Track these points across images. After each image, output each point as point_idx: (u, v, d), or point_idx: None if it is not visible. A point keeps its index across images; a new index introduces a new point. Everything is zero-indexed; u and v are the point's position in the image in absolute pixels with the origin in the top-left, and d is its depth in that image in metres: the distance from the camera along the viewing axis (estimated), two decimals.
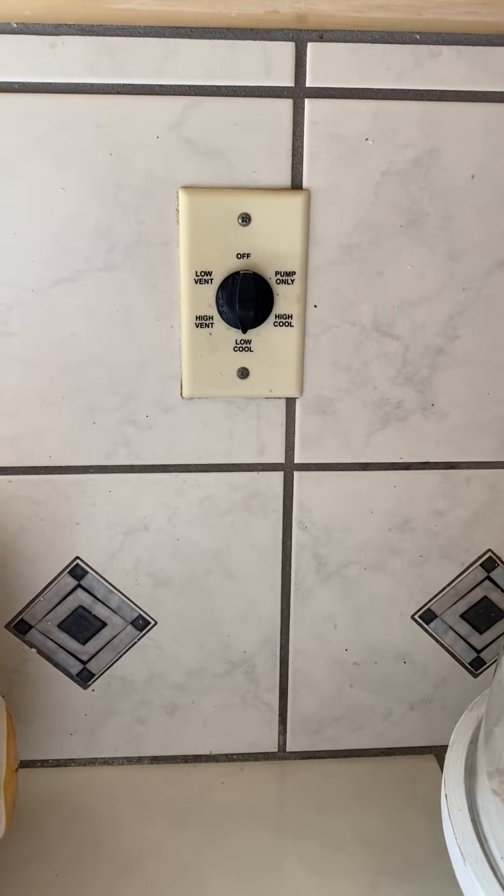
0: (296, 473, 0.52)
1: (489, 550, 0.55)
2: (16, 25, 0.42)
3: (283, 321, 0.48)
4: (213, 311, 0.47)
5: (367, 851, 0.52)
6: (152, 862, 0.51)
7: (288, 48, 0.44)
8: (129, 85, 0.44)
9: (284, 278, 0.47)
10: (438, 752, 0.61)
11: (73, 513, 0.52)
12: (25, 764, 0.57)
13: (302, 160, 0.46)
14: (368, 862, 0.51)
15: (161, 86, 0.44)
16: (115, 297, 0.47)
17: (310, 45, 0.44)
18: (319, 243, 0.47)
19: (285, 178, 0.46)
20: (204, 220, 0.46)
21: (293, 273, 0.47)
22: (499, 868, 0.38)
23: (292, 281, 0.47)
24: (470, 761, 0.45)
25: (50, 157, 0.45)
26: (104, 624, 0.55)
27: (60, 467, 0.51)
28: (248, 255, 0.47)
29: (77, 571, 0.53)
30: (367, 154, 0.46)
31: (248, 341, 0.48)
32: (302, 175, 0.46)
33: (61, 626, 0.55)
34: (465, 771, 0.45)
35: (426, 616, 0.57)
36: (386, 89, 0.45)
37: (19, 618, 0.54)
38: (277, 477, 0.52)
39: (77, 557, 0.53)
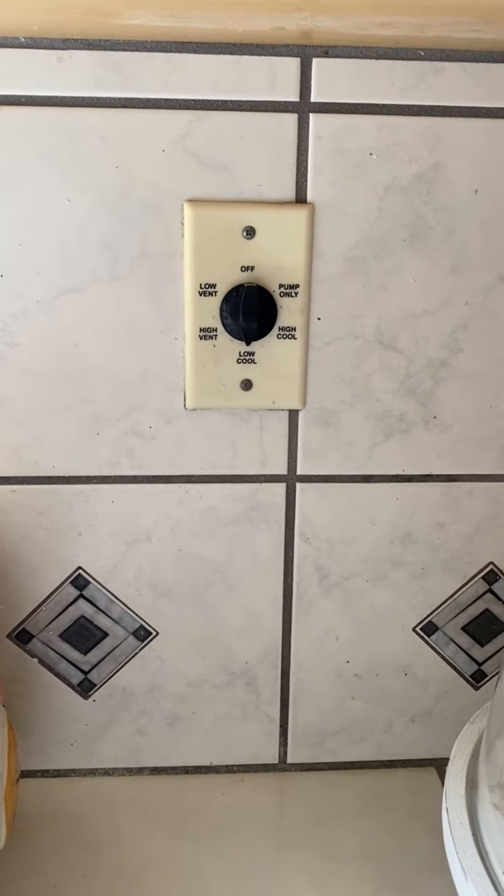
0: (298, 485, 0.52)
1: (491, 563, 0.55)
2: (24, 40, 0.43)
3: (287, 334, 0.48)
4: (217, 324, 0.48)
5: (368, 864, 0.52)
6: (152, 873, 0.51)
7: (293, 63, 0.44)
8: (136, 99, 0.44)
9: (288, 291, 0.47)
10: (439, 765, 0.60)
11: (75, 523, 0.52)
12: (26, 774, 0.57)
13: (306, 174, 0.46)
14: (369, 874, 0.51)
15: (167, 100, 0.44)
16: (120, 309, 0.48)
17: (315, 61, 0.44)
18: (323, 256, 0.47)
19: (290, 192, 0.46)
20: (208, 232, 0.46)
21: (297, 286, 0.47)
22: (499, 883, 0.38)
23: (296, 294, 0.47)
24: (471, 775, 0.45)
25: (56, 169, 0.45)
26: (106, 634, 0.55)
27: (64, 477, 0.51)
28: (253, 268, 0.47)
29: (79, 581, 0.53)
30: (372, 168, 0.46)
31: (252, 353, 0.49)
32: (306, 189, 0.46)
33: (63, 636, 0.55)
34: (467, 784, 0.44)
35: (428, 628, 0.57)
36: (390, 105, 0.45)
37: (21, 627, 0.54)
38: (280, 488, 0.52)
39: (79, 567, 0.53)
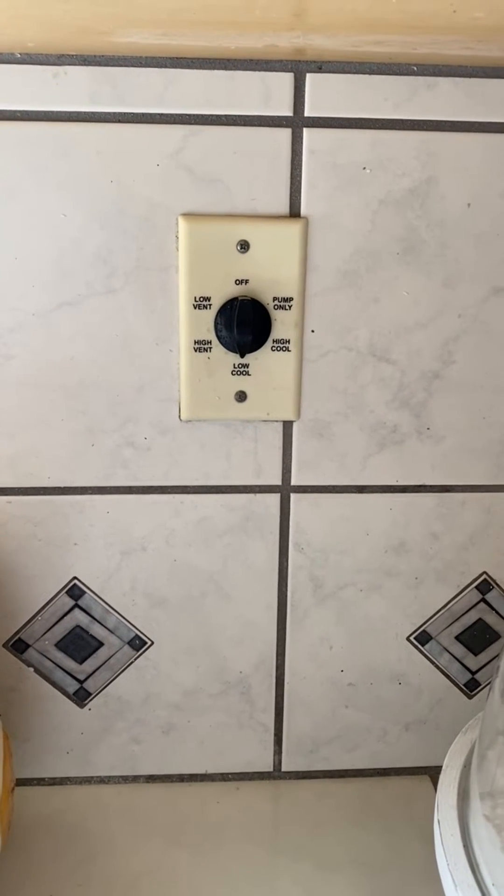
0: (292, 496, 0.53)
1: (484, 573, 0.56)
2: (19, 55, 0.43)
3: (281, 346, 0.49)
4: (212, 336, 0.48)
5: (361, 872, 0.52)
6: (147, 881, 0.51)
7: (287, 79, 0.44)
8: (130, 114, 0.45)
9: (282, 304, 0.48)
10: (433, 773, 0.61)
11: (71, 533, 0.52)
12: (21, 782, 0.58)
13: (300, 188, 0.46)
14: (362, 883, 0.51)
15: (161, 114, 0.45)
16: (115, 322, 0.48)
17: (308, 76, 0.45)
18: (317, 270, 0.48)
19: (284, 206, 0.47)
20: (203, 246, 0.46)
21: (291, 299, 0.48)
22: (490, 895, 0.38)
23: (290, 307, 0.48)
24: (463, 785, 0.45)
25: (52, 183, 0.45)
26: (101, 644, 0.55)
27: (59, 488, 0.51)
28: (247, 282, 0.47)
29: (74, 591, 0.54)
30: (365, 183, 0.46)
31: (246, 365, 0.49)
32: (300, 203, 0.47)
33: (58, 645, 0.55)
34: (459, 795, 0.45)
35: (421, 638, 0.57)
36: (383, 119, 0.46)
37: (17, 637, 0.54)
38: (274, 499, 0.53)
39: (75, 577, 0.53)
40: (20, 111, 0.44)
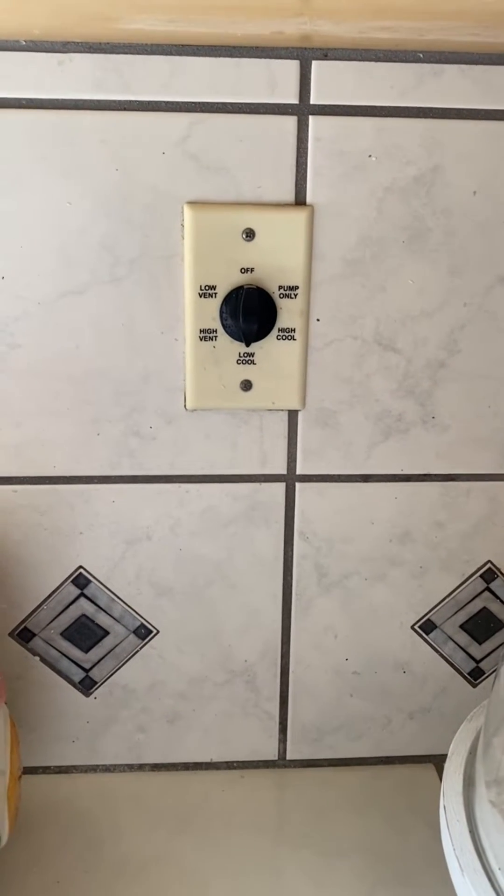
0: (297, 485, 0.53)
1: (489, 562, 0.56)
2: (24, 43, 0.43)
3: (286, 335, 0.49)
4: (217, 325, 0.48)
5: (366, 859, 0.53)
6: (153, 868, 0.51)
7: (293, 66, 0.44)
8: (136, 101, 0.44)
9: (288, 293, 0.48)
10: (437, 761, 0.61)
11: (76, 522, 0.52)
12: (28, 771, 0.58)
13: (306, 176, 0.46)
14: (367, 870, 0.52)
15: (167, 102, 0.45)
16: (120, 310, 0.48)
17: (314, 64, 0.44)
18: (322, 258, 0.48)
19: (289, 194, 0.47)
20: (208, 234, 0.46)
21: (296, 287, 0.48)
22: (496, 880, 0.39)
23: (295, 295, 0.48)
24: (468, 772, 0.46)
25: (57, 171, 0.45)
26: (107, 633, 0.55)
27: (65, 477, 0.51)
28: (252, 270, 0.47)
29: (80, 580, 0.54)
30: (371, 170, 0.46)
31: (252, 354, 0.49)
32: (306, 191, 0.46)
33: (64, 634, 0.55)
34: (464, 782, 0.45)
35: (426, 626, 0.57)
36: (389, 107, 0.45)
37: (23, 626, 0.55)
38: (279, 488, 0.53)
39: (80, 567, 0.54)
40: (25, 99, 0.44)
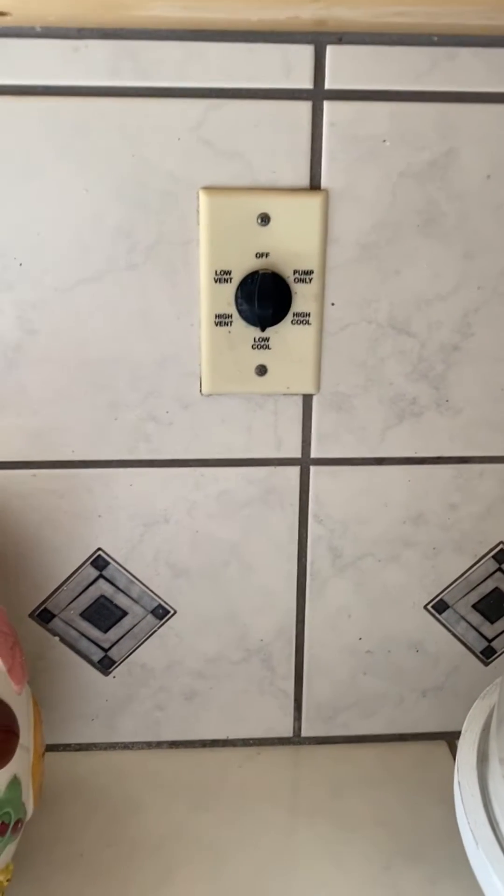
0: (312, 468, 0.53)
1: (501, 542, 0.56)
2: (40, 29, 0.43)
3: (301, 319, 0.49)
4: (233, 310, 0.48)
5: (381, 833, 0.54)
6: (173, 842, 0.53)
7: (307, 51, 0.44)
8: (151, 88, 0.45)
9: (303, 277, 0.48)
10: (449, 738, 0.62)
11: (95, 505, 0.53)
12: (50, 748, 0.59)
13: (320, 161, 0.46)
14: (382, 843, 0.53)
15: (182, 88, 0.45)
16: (137, 297, 0.48)
17: (329, 48, 0.44)
18: (337, 242, 0.48)
19: (304, 179, 0.47)
20: (224, 220, 0.47)
21: (311, 272, 0.48)
22: None
23: (310, 280, 0.48)
24: (482, 749, 0.46)
25: (72, 158, 0.45)
26: (125, 613, 0.56)
27: (83, 461, 0.52)
28: (267, 255, 0.47)
29: (99, 562, 0.55)
30: (385, 155, 0.46)
31: (267, 339, 0.49)
32: (320, 176, 0.47)
33: (83, 615, 0.56)
34: (478, 757, 0.46)
35: (439, 606, 0.58)
36: (403, 91, 0.45)
37: (42, 607, 0.56)
38: (294, 471, 0.53)
39: (99, 549, 0.54)
40: (41, 86, 0.44)
